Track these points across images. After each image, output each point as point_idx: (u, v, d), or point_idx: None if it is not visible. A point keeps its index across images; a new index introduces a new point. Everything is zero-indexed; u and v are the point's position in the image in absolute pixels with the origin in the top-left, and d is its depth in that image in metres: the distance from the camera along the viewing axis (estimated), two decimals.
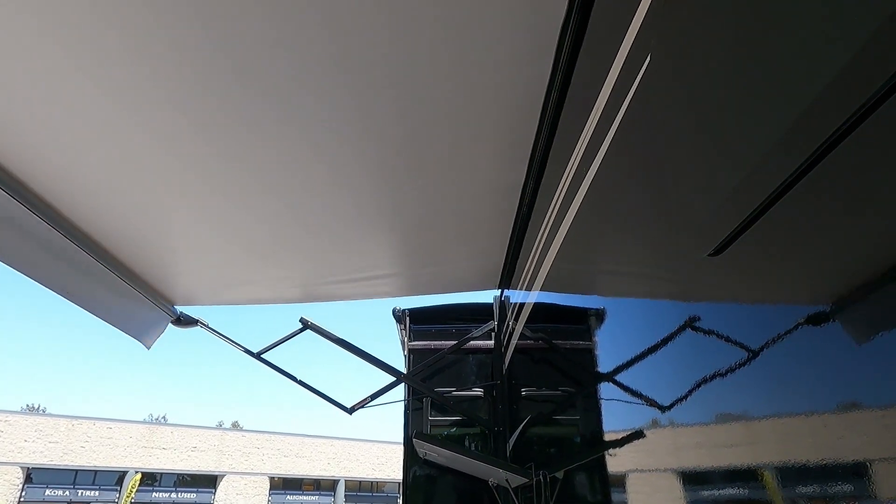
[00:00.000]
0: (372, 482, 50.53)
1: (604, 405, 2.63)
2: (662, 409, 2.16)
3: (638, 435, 1.66)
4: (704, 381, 1.22)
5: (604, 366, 2.52)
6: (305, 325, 4.19)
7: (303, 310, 4.39)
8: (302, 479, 47.73)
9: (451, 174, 2.98)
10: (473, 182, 3.11)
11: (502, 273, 4.08)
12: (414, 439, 3.00)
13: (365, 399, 4.27)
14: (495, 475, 3.20)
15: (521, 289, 3.64)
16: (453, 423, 4.23)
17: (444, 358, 4.33)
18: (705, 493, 1.26)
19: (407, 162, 2.79)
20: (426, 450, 3.28)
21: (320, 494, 48.09)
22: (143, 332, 3.97)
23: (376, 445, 51.67)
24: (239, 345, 4.25)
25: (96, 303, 3.57)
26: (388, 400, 4.30)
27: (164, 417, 70.16)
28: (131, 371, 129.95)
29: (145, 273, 3.70)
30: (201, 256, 3.70)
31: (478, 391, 4.34)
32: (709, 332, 1.20)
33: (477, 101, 2.35)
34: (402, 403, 4.29)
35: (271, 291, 4.37)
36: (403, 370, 4.42)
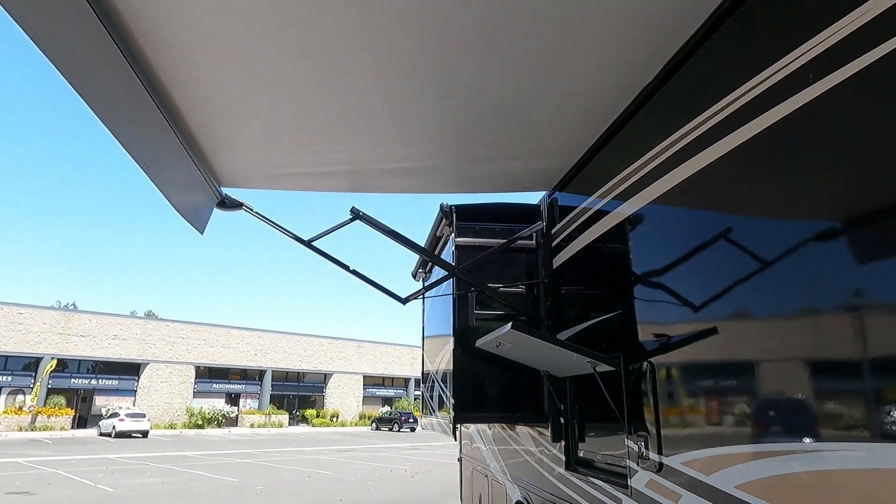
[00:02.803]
0: (298, 373, 51.80)
1: (653, 305, 2.87)
2: (696, 308, 2.41)
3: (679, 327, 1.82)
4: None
5: (659, 272, 2.73)
6: (357, 214, 4.11)
7: (352, 200, 4.28)
8: (228, 369, 48.15)
9: (544, 69, 2.93)
10: (571, 78, 3.06)
11: (564, 176, 4.13)
12: (512, 328, 3.13)
13: (418, 291, 4.33)
14: (577, 365, 3.43)
15: (590, 195, 3.72)
16: (497, 317, 4.41)
17: (487, 253, 4.42)
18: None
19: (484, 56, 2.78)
20: (505, 340, 3.44)
21: (247, 383, 48.86)
22: (195, 214, 3.76)
23: (303, 339, 52.43)
24: (288, 231, 4.13)
25: (160, 171, 3.34)
26: (438, 293, 4.39)
27: (73, 304, 67.21)
28: (39, 255, 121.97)
29: (203, 142, 3.47)
30: (255, 131, 3.51)
31: (520, 288, 4.51)
32: None
33: None
34: (450, 297, 4.40)
35: (320, 179, 4.22)
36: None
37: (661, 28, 2.59)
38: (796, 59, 1.95)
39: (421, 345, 6.55)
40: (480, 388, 4.26)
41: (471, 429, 6.80)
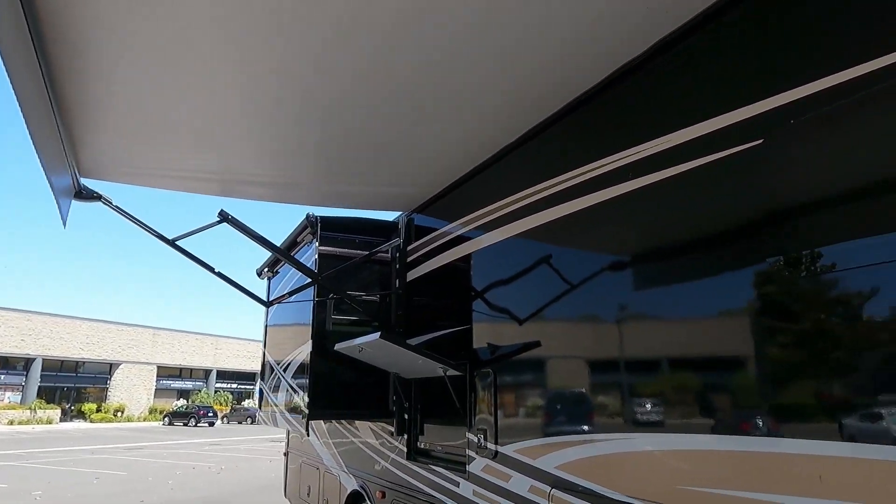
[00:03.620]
0: (77, 362, 45.87)
1: (493, 320, 3.60)
2: (521, 322, 3.18)
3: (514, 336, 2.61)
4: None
5: (498, 294, 3.48)
6: (225, 217, 4.21)
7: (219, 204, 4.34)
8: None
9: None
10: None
11: (424, 202, 4.68)
12: (381, 338, 3.56)
13: (282, 296, 4.51)
14: (423, 368, 3.99)
15: (447, 221, 4.33)
16: (352, 322, 4.81)
17: (348, 264, 4.81)
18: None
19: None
20: (369, 347, 3.87)
21: (7, 373, 41.93)
22: (60, 202, 3.57)
23: (86, 324, 46.57)
24: (152, 229, 4.08)
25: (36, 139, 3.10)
26: (301, 298, 4.64)
27: None
28: None
29: (74, 119, 3.28)
30: (127, 124, 3.45)
31: (375, 297, 4.97)
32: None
33: None
34: (310, 302, 4.68)
35: (188, 181, 4.25)
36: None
37: (517, 105, 3.22)
38: (621, 158, 2.72)
39: (263, 341, 6.63)
40: (334, 388, 4.64)
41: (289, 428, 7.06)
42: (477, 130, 3.51)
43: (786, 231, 2.00)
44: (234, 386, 55.84)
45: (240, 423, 43.30)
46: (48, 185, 3.29)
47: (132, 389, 47.47)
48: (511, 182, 3.53)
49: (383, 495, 4.76)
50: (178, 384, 52.14)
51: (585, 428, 2.81)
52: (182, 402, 48.88)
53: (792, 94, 1.97)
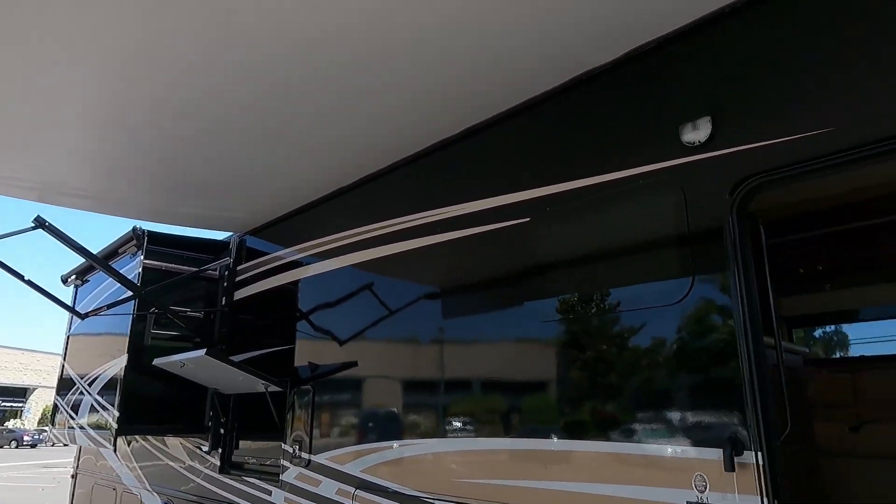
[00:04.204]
0: None
1: (314, 341, 4.05)
2: (341, 343, 3.73)
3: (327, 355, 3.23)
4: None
5: (320, 318, 3.97)
6: (41, 224, 4.07)
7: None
8: None
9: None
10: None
11: (257, 227, 4.93)
12: (207, 354, 3.73)
13: (100, 308, 4.39)
14: (245, 385, 4.23)
15: (281, 246, 4.66)
16: (172, 338, 4.84)
17: (174, 280, 4.87)
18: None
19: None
20: (194, 363, 4.02)
21: None
22: None
23: None
24: None
25: None
26: (119, 311, 4.57)
27: None
28: None
29: None
30: None
31: (199, 313, 5.05)
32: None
33: None
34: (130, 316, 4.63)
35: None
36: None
37: (348, 155, 3.70)
38: (434, 215, 3.35)
39: (63, 353, 6.19)
40: (147, 403, 4.63)
41: (92, 446, 6.66)
42: (311, 171, 3.93)
43: (539, 282, 2.75)
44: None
45: (1, 446, 36.89)
46: None
47: None
48: (343, 220, 4.01)
49: None
50: None
51: (387, 436, 3.35)
52: None
53: (547, 190, 2.75)
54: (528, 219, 2.82)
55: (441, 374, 3.16)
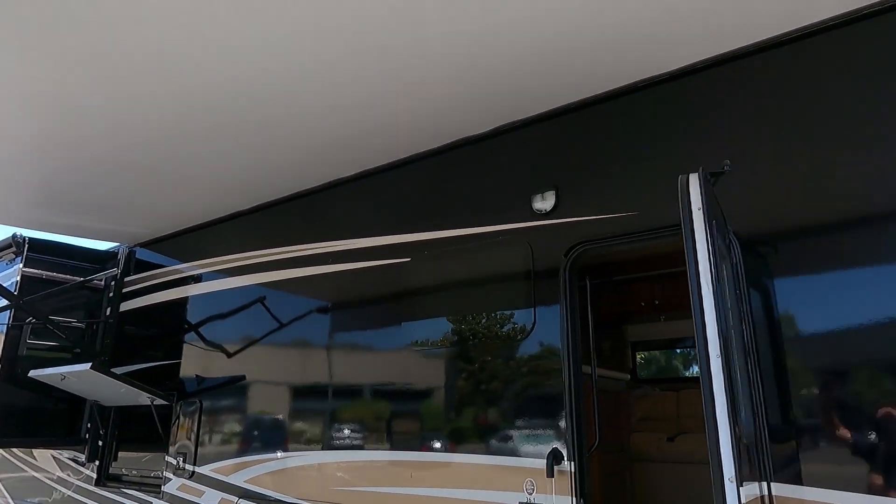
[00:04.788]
0: None
1: (203, 355, 4.26)
2: (229, 355, 4.00)
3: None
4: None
5: (210, 334, 4.21)
6: None
7: None
8: None
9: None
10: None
11: (149, 241, 4.96)
12: (92, 368, 3.76)
13: None
14: (128, 397, 4.29)
15: (175, 261, 4.76)
16: (51, 348, 4.75)
17: (57, 290, 4.79)
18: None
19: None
20: (76, 376, 4.03)
21: None
22: None
23: None
24: None
25: None
26: None
27: None
28: None
29: None
30: None
31: (80, 324, 4.99)
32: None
33: None
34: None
35: None
36: None
37: (240, 186, 3.93)
38: (324, 247, 3.69)
39: None
40: (23, 415, 4.52)
41: None
42: (205, 195, 4.10)
43: (414, 310, 3.18)
44: None
45: None
46: None
47: None
48: (237, 241, 4.23)
49: None
50: None
51: (272, 448, 3.63)
52: None
53: (425, 236, 3.19)
54: (409, 259, 3.25)
55: (325, 388, 3.51)
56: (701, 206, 1.73)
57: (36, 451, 5.29)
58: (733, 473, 1.51)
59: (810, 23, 2.24)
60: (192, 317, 4.47)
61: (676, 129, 2.59)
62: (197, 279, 4.50)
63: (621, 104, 2.73)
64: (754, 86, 2.40)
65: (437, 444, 2.92)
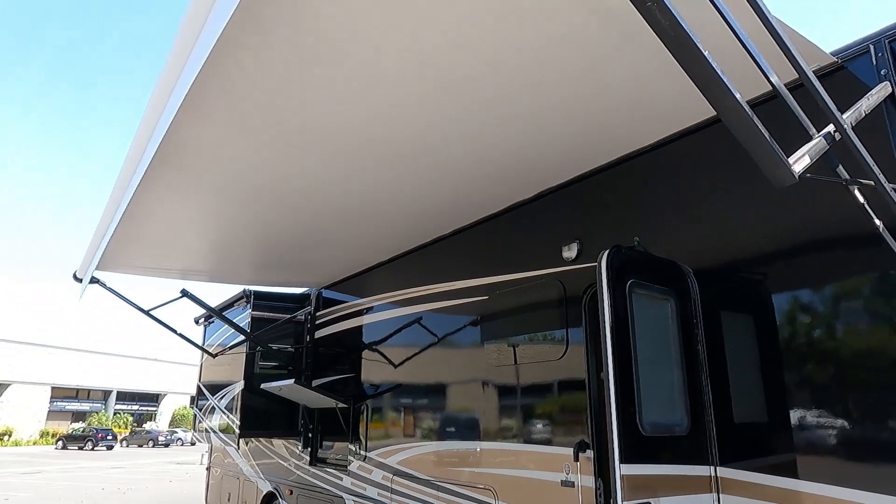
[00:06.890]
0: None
1: (370, 368, 5.63)
2: (389, 372, 5.26)
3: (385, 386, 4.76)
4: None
5: (374, 352, 5.54)
6: (185, 294, 6.03)
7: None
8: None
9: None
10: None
11: (331, 284, 6.70)
12: (295, 383, 5.51)
13: (224, 349, 6.34)
14: (323, 402, 5.97)
15: (349, 297, 6.38)
16: (273, 367, 6.72)
17: (273, 325, 6.74)
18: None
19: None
20: (287, 388, 5.82)
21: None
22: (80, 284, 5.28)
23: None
24: (133, 303, 5.83)
25: None
26: (237, 351, 6.50)
27: None
28: None
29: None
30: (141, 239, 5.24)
31: (291, 349, 6.90)
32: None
33: None
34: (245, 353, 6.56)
35: (156, 270, 6.06)
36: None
37: (405, 231, 5.33)
38: (437, 287, 4.89)
39: (198, 375, 8.36)
40: (259, 415, 6.52)
41: (221, 445, 8.78)
42: (370, 250, 5.59)
43: (494, 336, 4.21)
44: (136, 408, 54.03)
45: (140, 446, 42.22)
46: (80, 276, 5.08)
47: (16, 411, 44.80)
48: (386, 283, 5.65)
49: (291, 492, 6.65)
50: (73, 405, 49.85)
51: (413, 438, 4.92)
52: (78, 424, 46.69)
53: (496, 278, 4.22)
54: (486, 297, 4.31)
55: (441, 392, 4.72)
56: (606, 271, 2.56)
57: (273, 441, 7.36)
58: (618, 454, 2.34)
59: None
60: (364, 340, 6.01)
61: (657, 200, 3.30)
62: (366, 311, 6.04)
63: (622, 170, 3.50)
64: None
65: (514, 437, 3.94)
